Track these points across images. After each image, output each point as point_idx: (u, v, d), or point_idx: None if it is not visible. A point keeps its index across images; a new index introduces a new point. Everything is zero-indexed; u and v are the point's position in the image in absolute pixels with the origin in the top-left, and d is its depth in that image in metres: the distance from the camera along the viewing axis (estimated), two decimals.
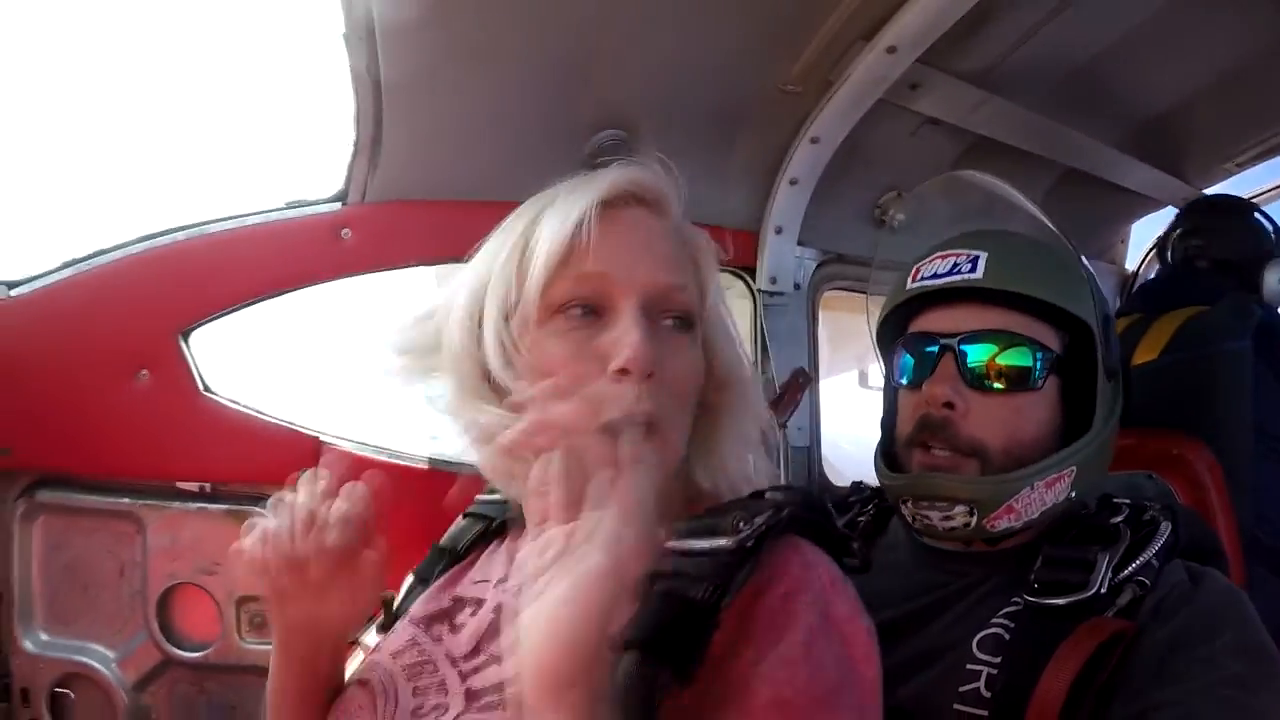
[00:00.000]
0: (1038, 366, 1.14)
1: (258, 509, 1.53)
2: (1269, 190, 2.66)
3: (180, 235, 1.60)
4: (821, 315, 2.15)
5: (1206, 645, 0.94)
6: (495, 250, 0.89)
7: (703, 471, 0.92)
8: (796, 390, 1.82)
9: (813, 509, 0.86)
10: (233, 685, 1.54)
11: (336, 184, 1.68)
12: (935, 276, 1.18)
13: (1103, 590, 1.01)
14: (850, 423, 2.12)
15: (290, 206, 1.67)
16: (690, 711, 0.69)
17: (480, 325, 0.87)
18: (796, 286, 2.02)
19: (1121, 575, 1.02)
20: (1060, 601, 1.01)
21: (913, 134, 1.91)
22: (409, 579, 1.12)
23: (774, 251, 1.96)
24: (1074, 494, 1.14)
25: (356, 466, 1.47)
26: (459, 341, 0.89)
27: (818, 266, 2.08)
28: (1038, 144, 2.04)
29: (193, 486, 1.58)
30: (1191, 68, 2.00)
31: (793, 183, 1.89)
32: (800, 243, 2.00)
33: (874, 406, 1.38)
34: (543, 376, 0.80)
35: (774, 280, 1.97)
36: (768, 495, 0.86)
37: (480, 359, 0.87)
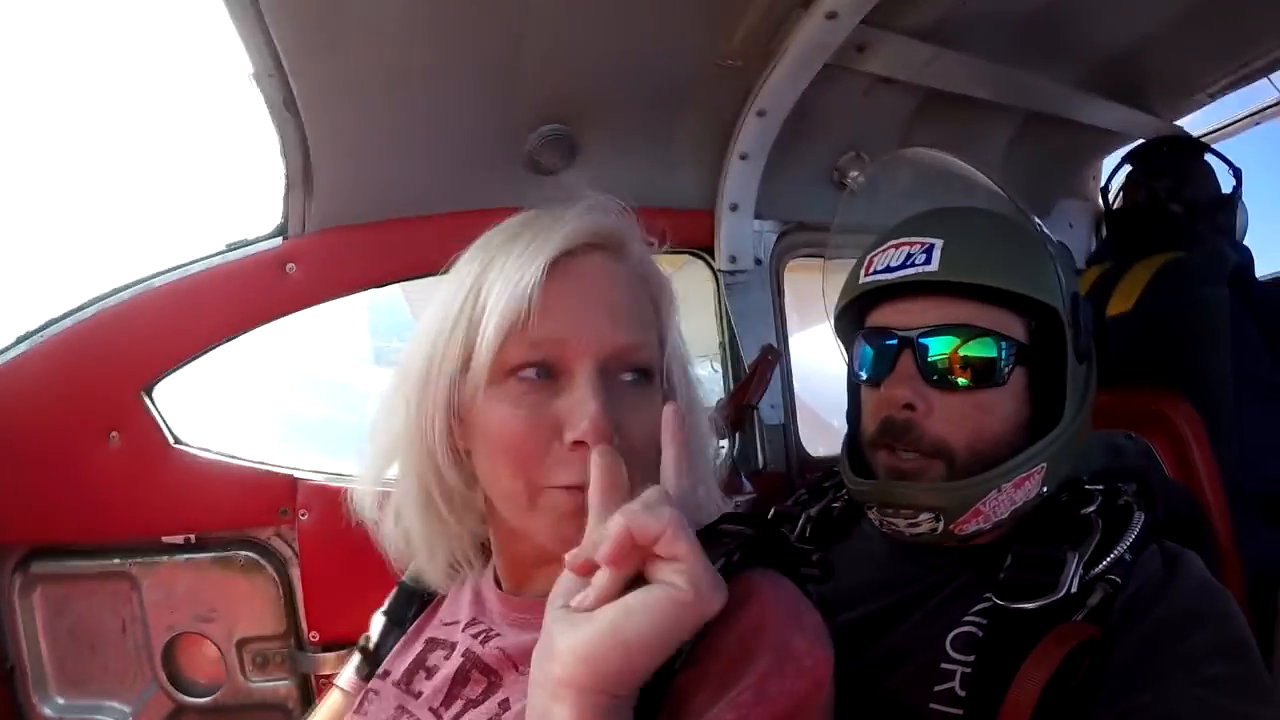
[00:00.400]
0: (1002, 359, 1.10)
1: (243, 553, 1.61)
2: (1240, 119, 2.52)
3: (127, 294, 1.60)
4: (798, 278, 2.10)
5: (1183, 644, 0.94)
6: (447, 305, 0.86)
7: None
8: (766, 368, 1.80)
9: (765, 537, 0.87)
10: None
11: (275, 219, 1.66)
12: (888, 270, 1.14)
13: (1073, 590, 1.00)
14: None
15: (232, 248, 1.65)
16: None
17: (431, 385, 0.86)
18: (758, 262, 1.97)
19: (1093, 572, 1.01)
20: (1029, 606, 1.00)
21: (865, 94, 1.81)
22: (380, 620, 1.14)
23: (731, 229, 1.91)
24: (1045, 489, 1.12)
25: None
26: (412, 401, 0.88)
27: (779, 238, 2.02)
28: (997, 92, 1.94)
29: (178, 539, 1.62)
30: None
31: (743, 158, 1.82)
32: (759, 216, 1.94)
33: None
34: (495, 441, 0.82)
35: (733, 259, 1.93)
36: (721, 528, 0.87)
37: (433, 420, 0.87)
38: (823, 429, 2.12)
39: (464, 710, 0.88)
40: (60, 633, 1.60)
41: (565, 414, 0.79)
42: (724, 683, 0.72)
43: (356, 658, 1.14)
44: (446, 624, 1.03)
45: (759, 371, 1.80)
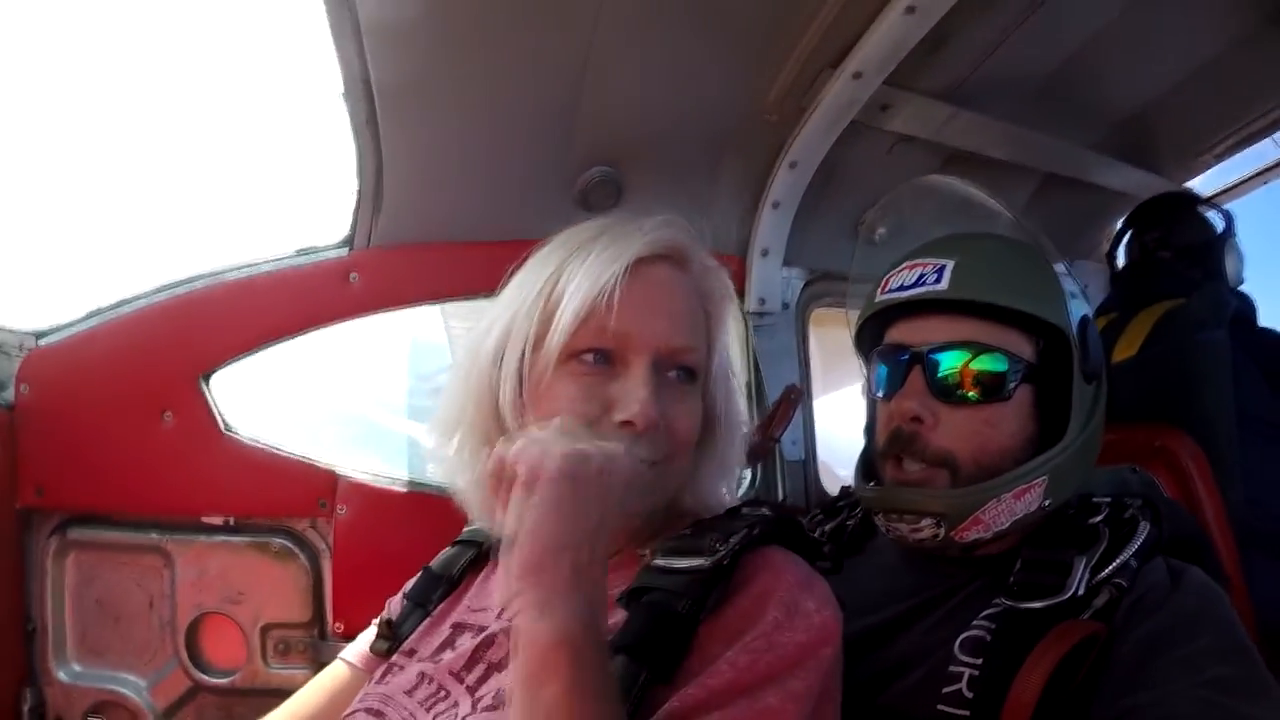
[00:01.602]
0: (1008, 376, 1.15)
1: (279, 540, 1.64)
2: (1247, 179, 2.70)
3: (198, 284, 1.70)
4: (824, 331, 2.20)
5: (1186, 646, 0.96)
6: (524, 289, 0.98)
7: (689, 496, 1.02)
8: (789, 406, 1.86)
9: (783, 523, 0.95)
10: (259, 709, 1.58)
11: (343, 230, 1.77)
12: (901, 288, 1.21)
13: (1079, 593, 1.04)
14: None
15: (301, 254, 1.76)
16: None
17: (503, 358, 0.96)
18: (785, 306, 2.08)
19: (1099, 577, 1.05)
20: (1037, 605, 1.04)
21: (889, 151, 1.98)
22: (402, 600, 1.18)
23: (761, 274, 2.03)
24: (1048, 502, 1.15)
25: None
26: (482, 372, 0.98)
27: (805, 285, 2.14)
28: (1013, 152, 2.09)
29: (217, 520, 1.66)
30: (1161, 64, 2.05)
31: (775, 206, 1.96)
32: (787, 263, 2.06)
33: None
34: (551, 410, 0.91)
35: (762, 301, 2.04)
36: (744, 511, 0.97)
37: (496, 390, 0.97)
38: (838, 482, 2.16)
39: (487, 674, 0.94)
40: (87, 600, 1.60)
41: (618, 397, 0.91)
42: (738, 631, 0.81)
43: (372, 633, 1.17)
44: (475, 610, 1.08)
45: (782, 409, 1.86)
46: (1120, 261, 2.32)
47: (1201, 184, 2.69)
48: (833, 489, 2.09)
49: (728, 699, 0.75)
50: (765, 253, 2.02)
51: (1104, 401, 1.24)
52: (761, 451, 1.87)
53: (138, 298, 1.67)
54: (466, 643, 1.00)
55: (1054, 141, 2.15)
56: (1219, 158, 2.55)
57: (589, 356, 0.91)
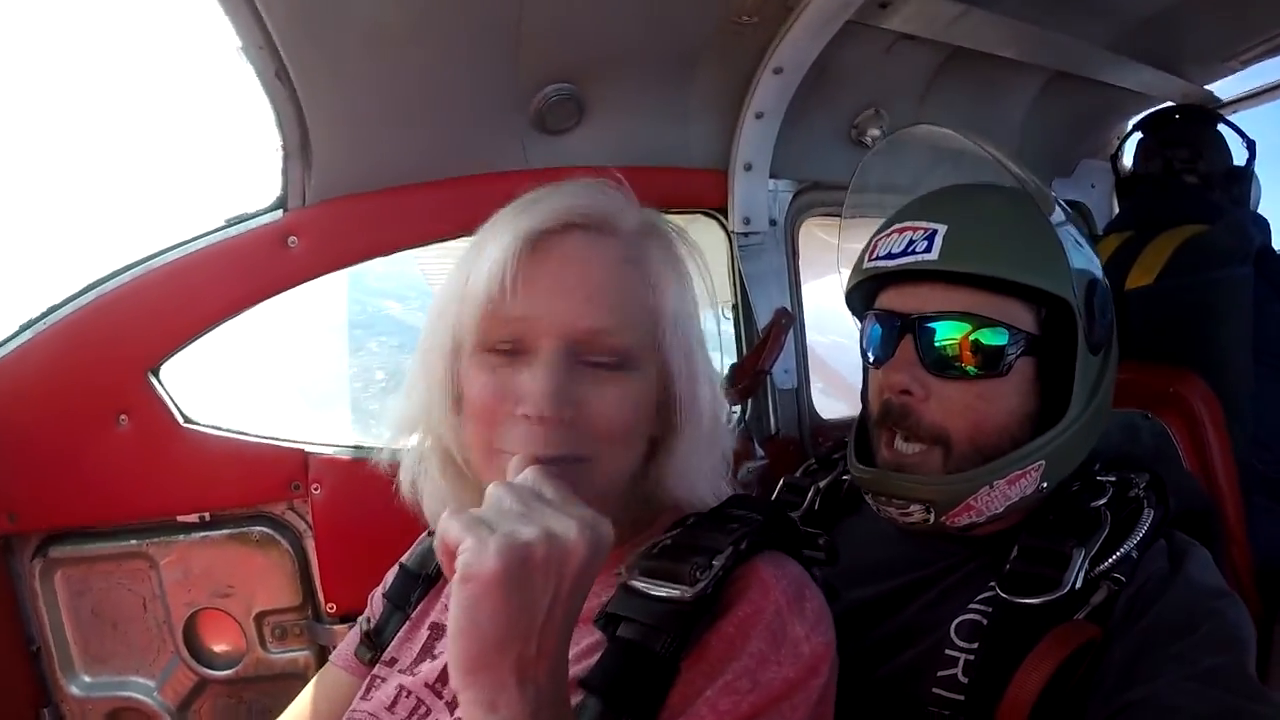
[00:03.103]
0: (1005, 350, 1.08)
1: (258, 528, 1.62)
2: (1271, 88, 2.45)
3: (128, 276, 1.57)
4: (815, 231, 2.05)
5: (1180, 642, 0.94)
6: (447, 284, 0.90)
7: (661, 491, 0.94)
8: (780, 332, 1.76)
9: (773, 525, 0.89)
10: (269, 693, 1.66)
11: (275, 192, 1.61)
12: (890, 256, 1.12)
13: (1076, 586, 1.00)
14: None
15: (232, 223, 1.61)
16: None
17: (437, 357, 0.89)
18: (772, 223, 1.92)
19: (1099, 569, 1.01)
20: (1033, 601, 1.01)
21: (887, 50, 1.74)
22: (381, 602, 1.15)
23: (745, 190, 1.85)
24: (1045, 485, 1.11)
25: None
26: (426, 370, 0.91)
27: (794, 198, 1.97)
28: (1023, 51, 1.85)
29: (193, 518, 1.63)
30: None
31: (758, 116, 1.76)
32: (773, 175, 1.88)
33: None
34: (469, 405, 0.86)
35: (747, 220, 1.87)
36: (728, 512, 0.91)
37: (441, 387, 0.89)
38: (840, 386, 2.11)
39: None
40: (83, 613, 1.62)
41: (522, 389, 0.81)
42: (721, 664, 0.76)
43: (355, 636, 1.15)
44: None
45: (773, 336, 1.76)
46: (1127, 163, 2.12)
47: (1220, 89, 2.45)
48: (825, 410, 2.04)
49: None
50: (749, 167, 1.83)
51: (1113, 369, 1.17)
52: (753, 387, 1.79)
53: (68, 300, 1.55)
54: (442, 648, 0.99)
55: (1067, 40, 1.90)
56: (1245, 64, 2.30)
57: (503, 345, 0.83)
